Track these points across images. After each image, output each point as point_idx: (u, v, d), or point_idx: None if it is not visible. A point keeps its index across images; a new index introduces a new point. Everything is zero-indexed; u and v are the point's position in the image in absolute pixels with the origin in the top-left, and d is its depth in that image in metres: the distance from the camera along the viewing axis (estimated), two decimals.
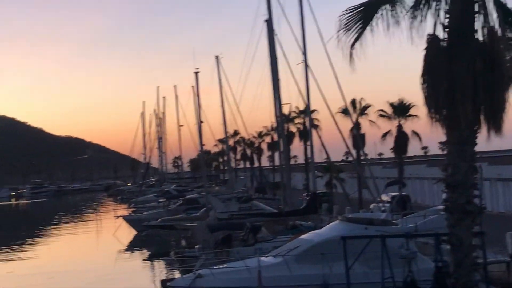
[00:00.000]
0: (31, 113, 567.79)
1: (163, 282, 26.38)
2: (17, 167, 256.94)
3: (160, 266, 37.48)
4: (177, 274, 29.78)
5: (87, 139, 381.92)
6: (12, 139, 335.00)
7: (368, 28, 15.54)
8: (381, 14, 15.44)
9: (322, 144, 43.76)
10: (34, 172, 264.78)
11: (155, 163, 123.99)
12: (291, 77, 41.46)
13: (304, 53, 40.70)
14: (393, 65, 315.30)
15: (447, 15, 15.22)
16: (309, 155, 49.81)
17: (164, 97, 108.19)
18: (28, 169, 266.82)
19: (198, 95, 59.96)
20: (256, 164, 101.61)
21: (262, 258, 22.43)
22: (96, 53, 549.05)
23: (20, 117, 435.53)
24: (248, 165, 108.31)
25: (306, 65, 40.60)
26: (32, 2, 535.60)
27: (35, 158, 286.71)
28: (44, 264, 44.02)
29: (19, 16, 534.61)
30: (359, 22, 15.59)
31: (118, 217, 60.93)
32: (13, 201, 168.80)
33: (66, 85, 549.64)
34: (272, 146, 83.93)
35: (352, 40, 15.68)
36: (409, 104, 48.37)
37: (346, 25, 15.69)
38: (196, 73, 58.33)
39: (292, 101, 49.46)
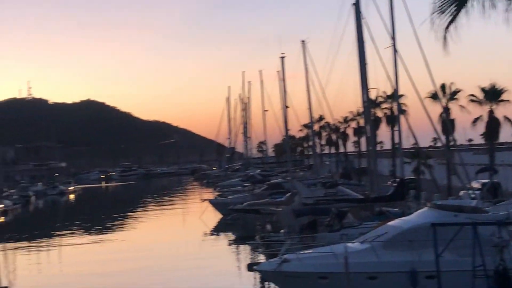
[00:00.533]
0: (120, 98, 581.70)
1: (249, 266, 26.55)
2: (107, 151, 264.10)
3: (245, 249, 37.78)
4: (262, 258, 29.95)
5: (174, 123, 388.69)
6: (102, 124, 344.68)
7: (463, 10, 15.04)
8: None
9: (410, 129, 42.90)
10: (123, 156, 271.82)
11: (240, 147, 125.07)
12: (379, 61, 40.73)
13: (393, 37, 39.93)
14: (485, 48, 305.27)
15: None
16: (396, 140, 49.00)
17: (249, 82, 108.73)
18: (117, 152, 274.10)
19: (284, 80, 59.82)
20: (341, 150, 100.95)
21: (349, 244, 22.21)
22: (183, 38, 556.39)
23: (110, 102, 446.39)
24: (333, 151, 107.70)
25: (395, 49, 39.81)
26: None
27: (124, 142, 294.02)
28: (132, 246, 45.14)
29: (107, 2, 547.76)
30: (454, 4, 15.11)
31: (204, 200, 61.76)
32: (103, 184, 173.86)
33: (154, 70, 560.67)
34: (358, 131, 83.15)
35: (446, 22, 15.22)
36: (501, 89, 46.87)
37: (440, 7, 15.24)
38: (282, 58, 58.29)
39: (379, 85, 48.43)
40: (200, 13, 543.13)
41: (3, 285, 18.42)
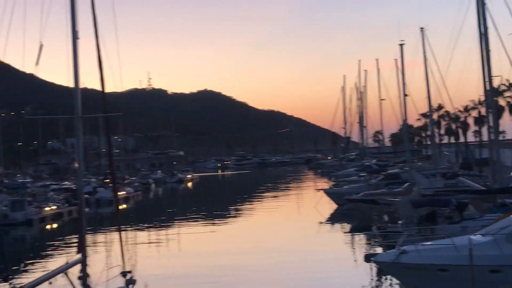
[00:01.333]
0: (236, 88, 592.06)
1: (367, 257, 26.27)
2: (223, 140, 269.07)
3: (361, 240, 37.46)
4: (379, 249, 29.60)
5: (289, 113, 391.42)
6: (219, 113, 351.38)
7: None
8: None
9: None
10: (238, 145, 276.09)
11: (355, 137, 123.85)
12: (502, 48, 39.13)
13: None
14: None
15: None
16: None
17: (365, 70, 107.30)
18: (233, 141, 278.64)
19: (402, 68, 58.64)
20: (461, 139, 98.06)
21: (471, 237, 21.56)
22: (297, 27, 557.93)
23: (226, 91, 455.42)
24: (452, 140, 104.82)
25: None
26: None
27: (240, 131, 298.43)
28: (247, 234, 45.82)
29: None
30: None
31: (319, 190, 61.72)
32: (220, 172, 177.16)
33: (269, 60, 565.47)
34: (479, 120, 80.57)
35: None
36: None
37: None
38: (401, 45, 57.05)
39: (502, 73, 46.54)
40: (314, 3, 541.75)
41: (127, 269, 19.09)
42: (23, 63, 18.73)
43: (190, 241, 43.25)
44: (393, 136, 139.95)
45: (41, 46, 17.87)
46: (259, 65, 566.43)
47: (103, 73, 18.40)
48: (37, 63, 18.04)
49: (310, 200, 63.12)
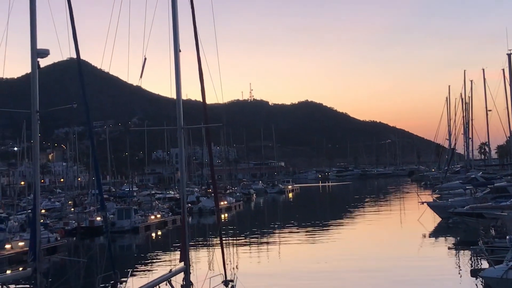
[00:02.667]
0: (337, 98, 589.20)
1: (473, 272, 25.58)
2: (323, 151, 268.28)
3: (466, 255, 36.46)
4: (485, 264, 28.72)
5: (391, 123, 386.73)
6: (319, 124, 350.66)
7: None
8: None
9: None
10: (339, 156, 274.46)
11: (460, 149, 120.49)
12: None
13: None
14: None
15: None
16: None
17: (471, 80, 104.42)
18: (334, 152, 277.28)
19: (510, 78, 56.72)
20: None
21: None
22: (400, 37, 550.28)
23: (327, 102, 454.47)
24: None
25: None
26: None
27: (341, 142, 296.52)
28: (349, 246, 45.44)
29: (326, 7, 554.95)
30: None
31: (422, 203, 60.46)
32: (320, 183, 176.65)
33: (370, 70, 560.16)
34: None
35: None
36: None
37: None
38: (509, 55, 55.23)
39: None
40: (417, 11, 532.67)
41: (229, 278, 19.37)
42: (129, 76, 19.44)
43: (291, 251, 43.34)
44: (500, 148, 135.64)
45: (145, 60, 18.50)
46: (361, 76, 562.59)
47: (204, 85, 18.82)
48: (141, 76, 18.69)
49: (413, 213, 61.99)
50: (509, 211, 37.44)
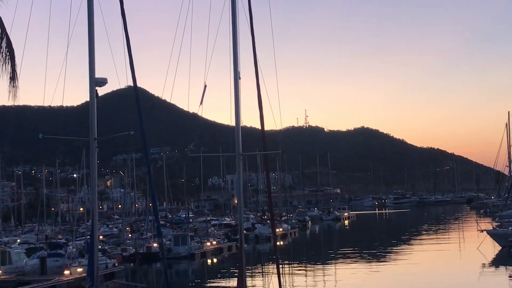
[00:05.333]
0: (393, 124, 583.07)
1: None
2: (380, 178, 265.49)
3: None
4: None
5: (449, 150, 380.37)
6: (376, 151, 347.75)
7: None
8: None
9: None
10: (396, 183, 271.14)
11: None
12: None
13: None
14: None
15: None
16: None
17: None
18: (391, 179, 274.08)
19: None
20: None
21: None
22: (456, 63, 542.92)
23: (383, 129, 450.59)
24: None
25: None
26: (395, 17, 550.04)
27: (398, 169, 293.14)
28: (406, 274, 44.72)
29: (383, 32, 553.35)
30: None
31: (482, 231, 59.18)
32: (377, 211, 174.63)
33: (427, 96, 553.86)
34: None
35: None
36: None
37: None
38: None
39: None
40: (474, 36, 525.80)
41: None
42: (188, 103, 19.69)
43: (347, 280, 42.87)
44: None
45: (205, 87, 18.76)
46: (417, 102, 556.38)
47: (262, 112, 18.95)
48: (201, 102, 18.95)
49: (473, 241, 60.66)
50: None
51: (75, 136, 24.06)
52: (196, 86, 19.10)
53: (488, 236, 57.02)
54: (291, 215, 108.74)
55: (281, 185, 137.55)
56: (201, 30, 19.14)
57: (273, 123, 19.89)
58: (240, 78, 18.49)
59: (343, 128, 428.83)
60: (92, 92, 18.03)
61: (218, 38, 18.72)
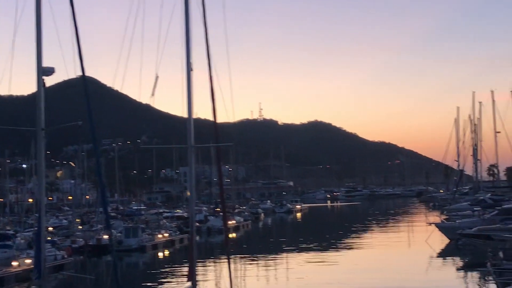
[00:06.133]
0: (346, 118, 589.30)
1: None
2: (332, 171, 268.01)
3: (474, 277, 36.23)
4: (493, 287, 28.54)
5: (400, 144, 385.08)
6: (328, 144, 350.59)
7: None
8: None
9: None
10: (348, 176, 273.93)
11: (469, 170, 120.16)
12: None
13: None
14: None
15: None
16: None
17: (480, 102, 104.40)
18: (342, 173, 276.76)
19: None
20: None
21: None
22: (408, 60, 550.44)
23: (336, 122, 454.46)
24: None
25: None
26: (350, 14, 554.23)
27: (349, 162, 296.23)
28: (355, 266, 45.22)
29: (337, 28, 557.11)
30: None
31: (430, 224, 60.19)
32: (329, 203, 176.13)
33: (380, 91, 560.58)
34: None
35: None
36: None
37: None
38: None
39: None
40: (427, 34, 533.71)
41: None
42: (140, 94, 19.46)
43: (298, 271, 43.09)
44: (509, 170, 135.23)
45: (156, 78, 18.57)
46: (370, 96, 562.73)
47: (215, 104, 18.86)
48: (152, 93, 18.76)
49: (421, 234, 61.63)
50: None
51: (25, 126, 23.58)
52: (150, 77, 18.89)
53: (437, 229, 58.00)
54: (244, 207, 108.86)
55: (235, 177, 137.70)
56: (153, 20, 18.97)
57: (226, 116, 19.83)
58: (192, 70, 18.35)
59: (297, 121, 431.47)
60: (40, 81, 17.68)
61: (171, 28, 18.57)
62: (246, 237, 76.81)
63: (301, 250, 56.40)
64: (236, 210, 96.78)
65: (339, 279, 38.27)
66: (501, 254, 33.57)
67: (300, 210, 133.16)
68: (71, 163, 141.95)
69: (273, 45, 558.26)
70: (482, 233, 45.02)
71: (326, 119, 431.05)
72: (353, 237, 68.67)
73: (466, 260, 44.61)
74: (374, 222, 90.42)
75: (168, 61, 20.57)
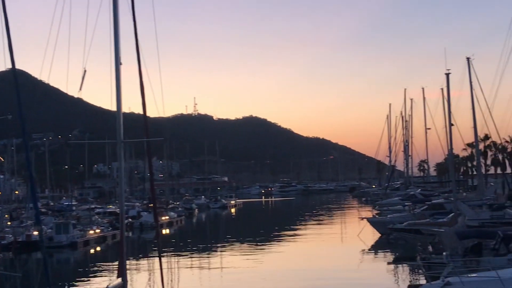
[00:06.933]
0: (281, 114, 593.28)
1: (410, 287, 25.85)
2: (267, 166, 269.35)
3: (405, 270, 36.88)
4: (422, 280, 29.08)
5: (334, 140, 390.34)
6: (263, 140, 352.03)
7: None
8: None
9: None
10: (283, 171, 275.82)
11: (400, 166, 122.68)
12: None
13: None
14: None
15: None
16: None
17: (411, 99, 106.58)
18: (277, 168, 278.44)
19: (448, 97, 57.91)
20: (508, 170, 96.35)
21: None
22: (343, 56, 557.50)
23: (271, 118, 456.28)
24: (499, 171, 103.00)
25: None
26: (284, 9, 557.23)
27: (284, 158, 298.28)
28: (289, 261, 45.49)
29: (273, 24, 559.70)
30: None
31: (362, 218, 61.13)
32: (263, 199, 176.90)
33: (315, 87, 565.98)
34: None
35: None
36: None
37: None
38: (447, 74, 56.32)
39: None
40: (361, 30, 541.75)
41: None
42: (70, 88, 18.97)
43: (231, 267, 43.07)
44: (439, 166, 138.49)
45: (84, 72, 18.13)
46: (305, 92, 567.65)
47: (145, 98, 18.60)
48: (80, 88, 18.30)
49: (354, 229, 62.53)
50: (446, 228, 38.11)
51: None
52: (79, 70, 18.41)
53: (368, 223, 58.93)
54: (178, 203, 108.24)
55: (169, 173, 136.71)
56: (81, 12, 18.51)
57: (157, 110, 19.58)
58: (121, 64, 18.00)
59: (232, 116, 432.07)
60: None
61: (99, 21, 18.17)
62: (179, 232, 76.37)
63: (235, 245, 56.40)
64: (170, 206, 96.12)
65: (272, 275, 38.39)
66: (430, 248, 34.31)
67: (235, 206, 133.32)
68: (0, 157, 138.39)
69: (208, 41, 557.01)
70: (412, 227, 45.99)
71: (261, 115, 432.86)
72: (287, 232, 69.03)
73: (397, 254, 45.38)
74: (308, 217, 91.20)
75: (98, 55, 20.16)
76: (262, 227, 78.62)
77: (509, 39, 41.57)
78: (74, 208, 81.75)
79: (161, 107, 19.07)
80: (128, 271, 18.51)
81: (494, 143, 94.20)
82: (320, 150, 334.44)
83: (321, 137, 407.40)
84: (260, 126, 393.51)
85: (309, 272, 38.77)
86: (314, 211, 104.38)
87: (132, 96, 18.84)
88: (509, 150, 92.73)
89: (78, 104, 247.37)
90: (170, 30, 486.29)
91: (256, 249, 53.20)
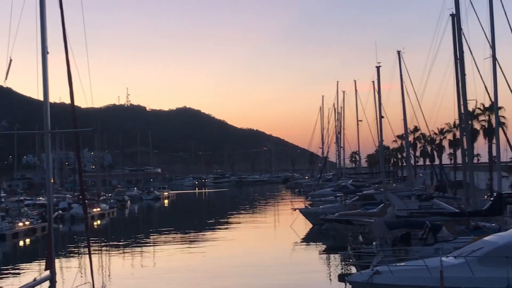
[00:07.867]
0: (215, 106, 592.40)
1: (341, 277, 26.28)
2: (201, 158, 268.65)
3: (336, 260, 37.43)
4: (353, 269, 29.60)
5: (267, 132, 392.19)
6: (197, 131, 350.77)
7: None
8: None
9: (509, 143, 41.34)
10: (216, 163, 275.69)
11: (332, 157, 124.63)
12: (477, 72, 39.49)
13: (493, 47, 38.61)
14: None
15: None
16: (494, 153, 47.41)
17: (343, 91, 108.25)
18: (211, 159, 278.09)
19: (379, 90, 58.94)
20: (436, 162, 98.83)
21: (443, 258, 21.64)
22: (277, 48, 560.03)
23: (205, 109, 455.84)
24: (428, 162, 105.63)
25: (495, 60, 38.47)
26: (220, 1, 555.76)
27: (218, 149, 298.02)
28: (221, 253, 45.52)
29: (202, 14, 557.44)
30: None
31: (295, 209, 61.69)
32: (197, 190, 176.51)
33: (249, 79, 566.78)
34: (454, 143, 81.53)
35: None
36: None
37: None
38: (378, 67, 57.28)
39: (477, 97, 46.91)
40: (294, 23, 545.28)
41: (97, 286, 18.83)
42: None
43: (164, 259, 42.83)
44: (370, 157, 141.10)
45: (10, 61, 17.65)
46: (239, 84, 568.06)
47: (72, 88, 18.24)
48: (6, 77, 17.82)
49: (286, 220, 63.04)
50: (376, 218, 38.85)
51: None
52: (5, 59, 17.92)
53: (301, 214, 59.53)
54: (109, 194, 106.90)
55: (100, 164, 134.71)
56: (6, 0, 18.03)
57: (85, 100, 19.22)
58: (48, 53, 17.60)
59: (166, 107, 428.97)
60: None
61: (26, 8, 17.71)
62: (111, 224, 75.53)
63: (167, 237, 56.11)
64: (102, 198, 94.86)
65: (204, 264, 38.40)
66: (360, 238, 34.93)
67: (168, 197, 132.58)
68: None
69: (142, 32, 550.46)
70: (343, 218, 46.74)
71: (195, 106, 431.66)
72: (220, 224, 69.11)
73: (328, 244, 45.98)
74: (241, 208, 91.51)
75: (25, 44, 19.66)
76: (195, 219, 78.50)
77: (438, 32, 42.45)
78: (3, 200, 79.79)
79: (89, 97, 18.74)
80: (57, 264, 18.20)
81: (423, 135, 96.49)
82: (254, 141, 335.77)
83: (255, 129, 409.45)
84: (193, 117, 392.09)
85: (240, 262, 38.95)
86: (248, 202, 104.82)
87: (61, 86, 18.43)
88: (437, 142, 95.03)
89: (7, 94, 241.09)
90: (101, 20, 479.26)
91: (189, 240, 53.05)
